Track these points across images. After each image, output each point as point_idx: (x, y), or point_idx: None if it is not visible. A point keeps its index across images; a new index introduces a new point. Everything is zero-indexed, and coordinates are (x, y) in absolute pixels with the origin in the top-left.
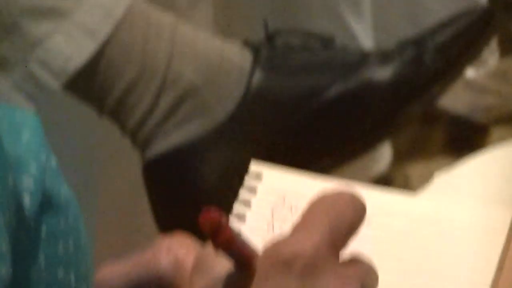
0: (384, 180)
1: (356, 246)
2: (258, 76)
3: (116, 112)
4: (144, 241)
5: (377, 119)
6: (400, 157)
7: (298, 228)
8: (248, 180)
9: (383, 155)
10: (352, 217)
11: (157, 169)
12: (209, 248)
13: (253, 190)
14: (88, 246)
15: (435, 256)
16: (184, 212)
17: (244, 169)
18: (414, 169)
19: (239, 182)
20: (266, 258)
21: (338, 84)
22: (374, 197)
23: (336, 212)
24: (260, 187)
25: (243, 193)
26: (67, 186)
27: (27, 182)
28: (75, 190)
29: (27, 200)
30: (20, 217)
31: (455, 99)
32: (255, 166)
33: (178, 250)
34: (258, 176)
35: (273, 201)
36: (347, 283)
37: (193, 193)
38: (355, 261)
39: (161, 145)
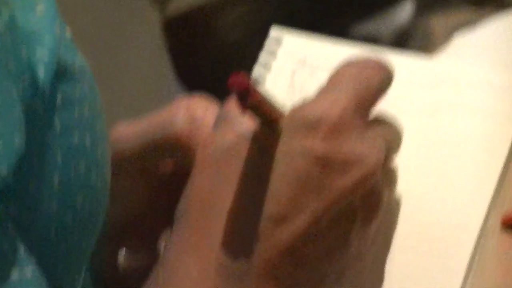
0: (406, 33)
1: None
2: None
3: None
4: (166, 100)
5: None
6: (422, 10)
7: (325, 92)
8: (268, 45)
9: (405, 8)
10: (378, 81)
11: (177, 27)
12: (232, 106)
13: (273, 54)
14: (103, 112)
15: (448, 120)
16: (205, 70)
17: (265, 30)
18: (436, 22)
19: (259, 45)
20: (293, 119)
21: None
22: (392, 60)
23: (363, 76)
24: (280, 51)
25: (263, 57)
26: (81, 55)
27: (42, 53)
28: (95, 54)
29: (41, 71)
30: (35, 87)
31: None
32: (275, 31)
33: (196, 110)
34: (278, 41)
35: (293, 65)
36: (372, 146)
37: (213, 50)
38: (380, 122)
39: (181, 3)
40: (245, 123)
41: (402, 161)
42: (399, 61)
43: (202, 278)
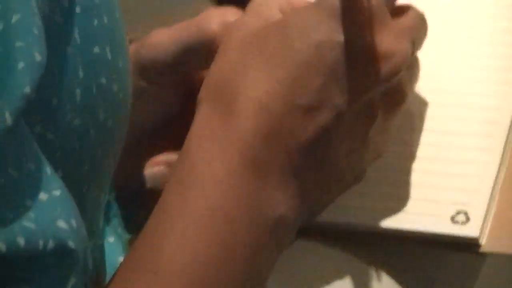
0: None
1: None
2: None
3: None
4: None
5: None
6: None
7: None
8: None
9: None
10: None
11: None
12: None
13: None
14: (122, 22)
15: (467, 34)
16: None
17: None
18: None
19: None
20: (322, 8)
21: None
22: None
23: None
24: None
25: None
26: None
27: None
28: None
29: None
30: None
31: None
32: None
33: (230, 16)
34: None
35: None
36: (400, 42)
37: None
38: (407, 14)
39: None
40: (275, 14)
41: (428, 59)
42: None
43: (227, 174)
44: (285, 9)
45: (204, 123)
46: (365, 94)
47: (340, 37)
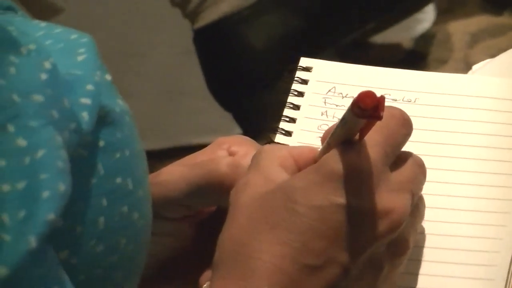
0: (426, 38)
1: None
2: None
3: None
4: (197, 106)
5: None
6: (442, 15)
7: (354, 143)
8: (299, 73)
9: (428, 14)
10: (403, 132)
11: (207, 37)
12: (266, 151)
13: (304, 82)
14: (143, 153)
15: (471, 127)
16: (232, 75)
17: (287, 37)
18: (455, 26)
19: (282, 51)
20: (323, 171)
21: None
22: (419, 77)
23: (390, 127)
24: (311, 78)
25: (295, 85)
26: (121, 99)
27: (84, 101)
28: (127, 60)
29: (85, 117)
30: (79, 134)
31: None
32: (304, 61)
33: (237, 151)
34: (308, 69)
35: (324, 90)
36: (399, 198)
37: (242, 59)
38: (406, 164)
39: (210, 14)
40: (277, 172)
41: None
42: (426, 78)
43: None
44: (288, 163)
45: (223, 286)
46: (368, 249)
47: (340, 200)
